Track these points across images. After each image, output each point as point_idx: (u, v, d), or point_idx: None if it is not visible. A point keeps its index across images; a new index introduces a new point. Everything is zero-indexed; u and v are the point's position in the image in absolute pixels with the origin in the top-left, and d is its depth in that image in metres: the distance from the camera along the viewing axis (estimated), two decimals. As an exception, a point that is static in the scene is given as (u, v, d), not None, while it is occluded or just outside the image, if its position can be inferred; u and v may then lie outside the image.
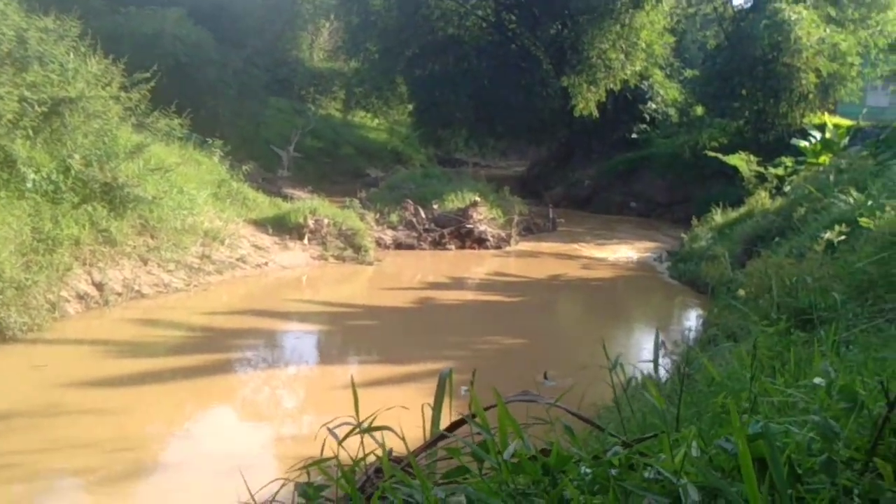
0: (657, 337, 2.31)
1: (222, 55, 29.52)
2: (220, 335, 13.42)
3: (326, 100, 46.25)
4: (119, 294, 14.04)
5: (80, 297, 13.40)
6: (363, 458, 2.11)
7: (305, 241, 19.50)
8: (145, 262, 15.17)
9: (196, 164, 20.34)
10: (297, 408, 11.15)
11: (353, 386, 2.15)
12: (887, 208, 10.25)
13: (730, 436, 1.67)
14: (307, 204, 20.79)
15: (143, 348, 12.21)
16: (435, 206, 23.59)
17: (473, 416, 2.15)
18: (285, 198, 22.98)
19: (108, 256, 14.45)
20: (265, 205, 20.84)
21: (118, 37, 23.44)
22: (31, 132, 14.19)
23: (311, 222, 19.79)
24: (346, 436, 2.11)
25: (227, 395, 11.18)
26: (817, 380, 2.05)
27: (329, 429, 2.12)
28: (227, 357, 12.51)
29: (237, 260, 17.31)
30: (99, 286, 13.78)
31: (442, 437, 2.26)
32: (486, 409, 2.21)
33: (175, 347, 12.54)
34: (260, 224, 19.54)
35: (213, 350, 12.53)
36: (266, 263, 17.92)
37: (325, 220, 20.03)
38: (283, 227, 19.66)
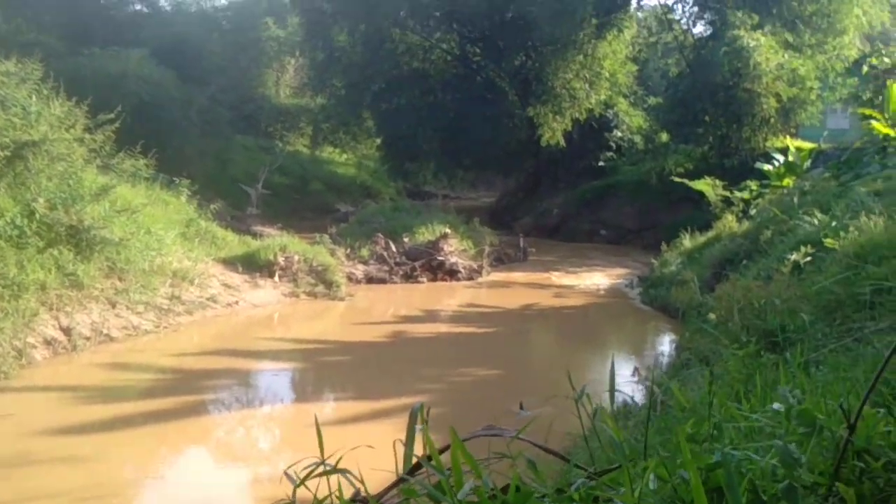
0: (612, 366, 2.27)
1: (186, 94, 29.50)
2: (191, 376, 13.23)
3: (294, 136, 46.32)
4: (87, 338, 13.80)
5: (48, 342, 13.16)
6: (323, 500, 2.06)
7: (276, 278, 19.36)
8: (114, 305, 14.96)
9: (163, 205, 20.19)
10: (272, 448, 11.00)
11: (318, 426, 2.12)
12: (851, 228, 10.39)
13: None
14: (277, 241, 20.67)
15: (113, 393, 12.00)
16: (406, 240, 23.59)
17: (429, 457, 2.11)
18: (255, 235, 22.85)
19: (75, 300, 14.23)
20: (234, 243, 20.70)
21: (81, 78, 23.31)
22: (-7, 177, 14.02)
23: (281, 259, 19.67)
24: (304, 479, 2.06)
25: (200, 437, 11.00)
26: (776, 405, 2.04)
27: (286, 473, 2.08)
28: (200, 398, 12.32)
29: (207, 299, 17.13)
30: (66, 331, 13.55)
31: (402, 480, 2.21)
32: (445, 448, 2.18)
33: (146, 391, 12.35)
34: (229, 263, 19.39)
35: (185, 392, 12.34)
36: (237, 302, 17.75)
37: (296, 257, 19.92)
38: (254, 265, 19.51)
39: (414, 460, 2.42)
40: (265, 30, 46.35)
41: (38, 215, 14.39)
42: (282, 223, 27.13)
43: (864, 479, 1.60)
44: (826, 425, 1.78)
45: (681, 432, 1.82)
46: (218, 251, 19.72)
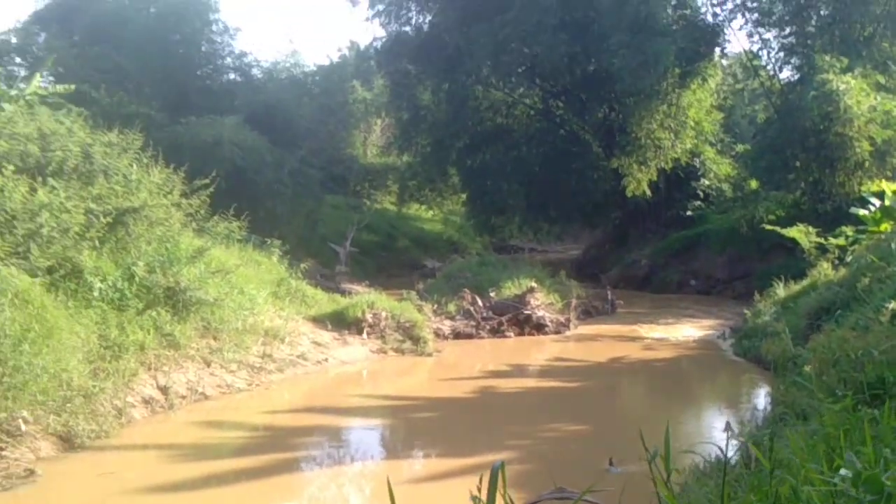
0: (667, 433, 2.22)
1: (278, 157, 30.47)
2: (283, 434, 13.47)
3: (381, 194, 47.26)
4: (183, 397, 14.23)
5: (146, 401, 13.61)
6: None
7: (364, 335, 19.63)
8: (208, 364, 15.40)
9: (255, 265, 20.77)
10: (363, 503, 11.07)
11: (390, 489, 2.18)
12: (952, 275, 10.00)
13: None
14: (365, 298, 20.99)
15: (208, 450, 12.30)
16: (492, 294, 23.63)
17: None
18: (343, 293, 23.28)
19: (172, 360, 14.71)
20: (324, 301, 21.11)
21: (179, 146, 24.39)
22: (97, 242, 14.70)
23: (369, 316, 19.95)
24: None
25: (292, 493, 11.15)
26: (843, 471, 2.01)
27: None
28: (292, 455, 12.51)
29: (298, 357, 17.48)
30: (164, 390, 14.00)
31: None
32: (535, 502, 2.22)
33: (240, 448, 12.61)
34: (319, 320, 19.76)
35: (278, 449, 12.56)
36: (326, 359, 18.04)
37: (383, 314, 20.17)
38: (342, 323, 19.85)
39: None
40: (352, 92, 47.76)
41: (137, 278, 15.01)
42: (370, 280, 27.58)
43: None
44: (894, 492, 1.75)
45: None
46: (308, 309, 20.14)
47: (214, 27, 38.83)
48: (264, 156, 29.36)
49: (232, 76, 40.10)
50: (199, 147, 26.47)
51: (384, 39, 40.29)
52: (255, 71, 41.28)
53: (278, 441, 13.03)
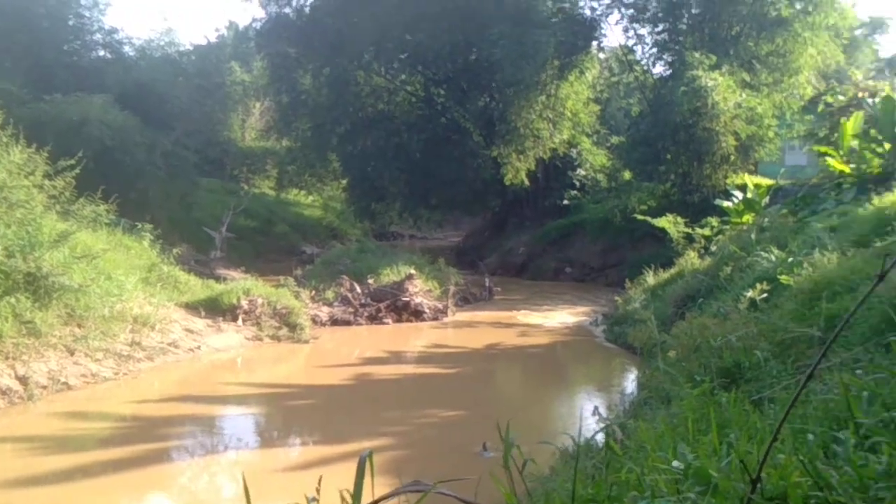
0: (507, 431, 2.20)
1: (150, 138, 29.37)
2: (152, 424, 13.02)
3: (259, 178, 46.31)
4: (44, 387, 13.55)
5: (3, 392, 12.90)
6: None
7: (239, 322, 19.20)
8: (72, 353, 14.72)
9: (125, 250, 20.01)
10: (236, 494, 10.81)
11: (245, 486, 2.09)
12: (805, 265, 10.55)
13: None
14: (241, 284, 20.54)
15: (70, 442, 11.76)
16: (370, 281, 23.54)
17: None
18: (218, 279, 22.67)
19: (32, 348, 13.98)
20: (197, 287, 20.53)
21: (42, 124, 23.17)
22: (-52, 225, 13.82)
23: (244, 303, 19.53)
24: None
25: (162, 484, 10.79)
26: (675, 463, 2.05)
27: None
28: (162, 446, 12.11)
29: (169, 345, 16.93)
30: (22, 380, 13.29)
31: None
32: (384, 497, 2.17)
33: (105, 440, 12.11)
34: (192, 307, 19.20)
35: (147, 440, 12.13)
36: (199, 347, 17.55)
37: (259, 300, 19.78)
38: (217, 309, 19.35)
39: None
40: (230, 74, 46.54)
41: (-5, 263, 14.19)
42: (246, 266, 27.01)
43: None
44: (722, 483, 1.79)
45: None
46: (180, 296, 19.54)
47: (82, 0, 37.01)
48: (135, 136, 28.21)
49: (101, 53, 38.31)
50: (65, 126, 25.19)
51: (264, 21, 39.40)
52: (126, 48, 39.57)
53: (147, 431, 12.59)
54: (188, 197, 32.25)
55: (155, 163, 28.99)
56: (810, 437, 2.31)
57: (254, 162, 46.89)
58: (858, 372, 3.59)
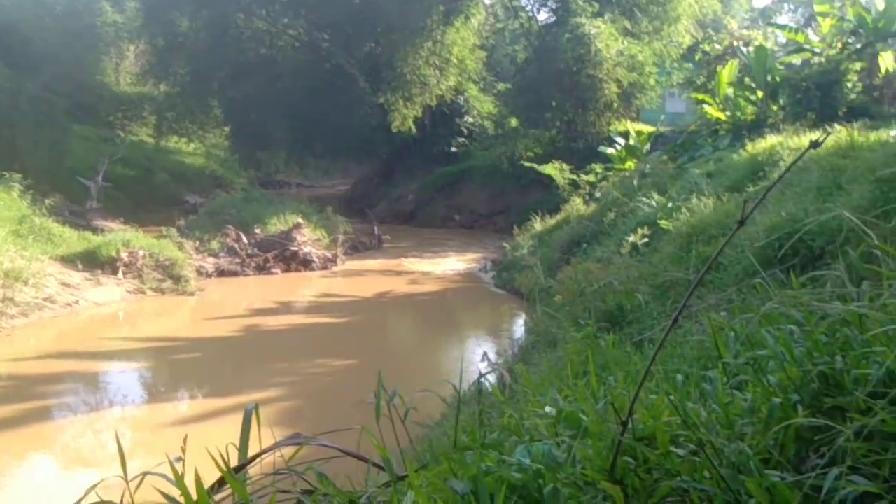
0: (379, 379, 2.20)
1: (15, 82, 27.76)
2: (30, 382, 12.55)
3: (136, 125, 44.30)
4: None
5: None
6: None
7: (120, 275, 18.58)
8: (-62, 311, 13.97)
9: (-8, 201, 19.01)
10: (124, 451, 10.57)
11: (119, 444, 2.04)
12: (683, 210, 10.93)
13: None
14: (119, 236, 19.82)
15: (-61, 405, 11.23)
16: (257, 231, 23.13)
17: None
18: (96, 231, 21.78)
19: None
20: (73, 239, 19.69)
21: None
22: None
23: (124, 255, 18.88)
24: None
25: (43, 444, 10.46)
26: (548, 408, 2.12)
27: None
28: (41, 404, 11.73)
29: (44, 300, 16.25)
30: None
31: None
32: (262, 453, 2.16)
33: (-23, 400, 11.61)
34: (68, 260, 18.44)
35: (25, 398, 11.70)
36: (77, 301, 16.92)
37: (141, 252, 19.16)
38: (95, 262, 18.64)
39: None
40: (101, 15, 44.07)
41: None
42: (125, 217, 26.04)
43: (635, 474, 1.70)
44: (592, 426, 1.86)
45: (455, 445, 1.87)
46: (55, 249, 18.71)
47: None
48: (-2, 80, 26.63)
49: (-42, -10, 35.74)
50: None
51: (137, -42, 37.60)
52: (-14, -15, 36.98)
53: (25, 389, 12.13)
54: (60, 145, 30.67)
55: (21, 108, 27.44)
56: (679, 377, 2.41)
57: (130, 108, 44.76)
58: (723, 314, 3.75)
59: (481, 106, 39.57)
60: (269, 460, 2.35)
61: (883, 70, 20.46)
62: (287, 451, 2.35)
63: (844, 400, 1.66)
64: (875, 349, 1.72)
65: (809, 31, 24.89)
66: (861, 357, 1.76)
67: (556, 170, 26.78)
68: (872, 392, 1.59)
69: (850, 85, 20.43)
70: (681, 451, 1.67)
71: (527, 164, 28.99)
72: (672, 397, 1.88)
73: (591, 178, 25.04)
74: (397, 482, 1.87)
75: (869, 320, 1.80)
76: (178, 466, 1.93)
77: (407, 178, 37.83)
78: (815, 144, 1.70)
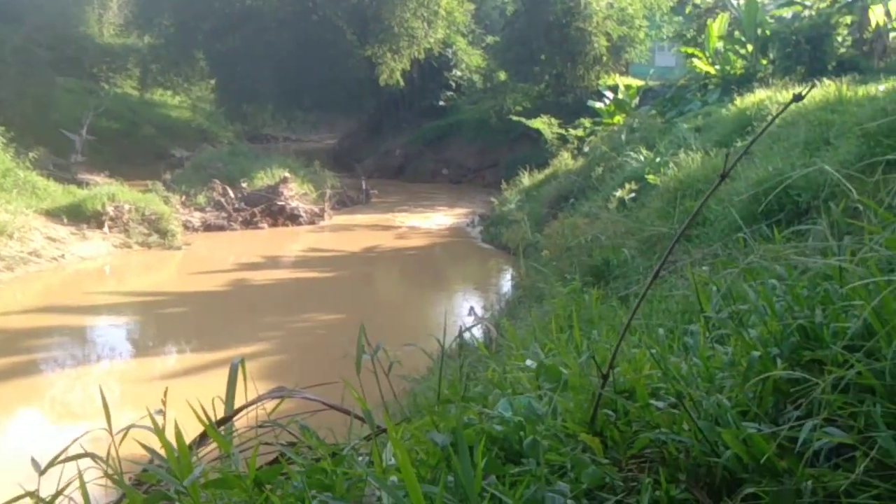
0: (362, 331, 2.18)
1: (-3, 33, 27.34)
2: (17, 335, 12.57)
3: (121, 78, 43.69)
4: None
5: None
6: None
7: (105, 229, 18.49)
8: (-80, 264, 13.90)
9: (-26, 154, 18.81)
10: (112, 405, 10.61)
11: (104, 398, 2.05)
12: (671, 165, 10.93)
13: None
14: (105, 189, 19.70)
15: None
16: (244, 185, 23.02)
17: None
18: (81, 184, 21.61)
19: None
20: (58, 193, 19.56)
21: None
22: None
23: (110, 209, 18.78)
24: (47, 468, 1.90)
25: (32, 398, 10.51)
26: (528, 361, 2.13)
27: (32, 459, 1.93)
28: (29, 358, 11.75)
29: (30, 254, 16.18)
30: None
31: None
32: (245, 406, 2.17)
33: (-37, 354, 11.61)
34: (53, 214, 18.32)
35: (12, 352, 11.72)
36: (62, 256, 16.85)
37: (126, 206, 19.06)
38: (80, 216, 18.54)
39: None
40: (83, -36, 43.30)
41: None
42: (110, 171, 25.79)
43: (615, 426, 1.71)
44: (572, 379, 1.88)
45: (441, 394, 1.88)
46: (39, 202, 18.58)
47: None
48: (-21, 31, 26.20)
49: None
50: None
51: None
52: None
53: (12, 343, 12.13)
54: (43, 97, 30.30)
55: (4, 60, 27.08)
56: (661, 331, 2.42)
57: (114, 60, 44.05)
58: (704, 268, 3.77)
59: (470, 59, 39.20)
60: (255, 414, 2.37)
61: (873, 24, 20.33)
62: (273, 405, 2.37)
63: (822, 353, 1.68)
64: (854, 303, 1.73)
65: (801, -16, 24.68)
66: (840, 311, 1.77)
67: (544, 124, 26.67)
68: (850, 345, 1.61)
69: (839, 39, 20.35)
70: (660, 404, 1.69)
71: (515, 118, 28.86)
72: (653, 351, 1.89)
73: (580, 132, 24.97)
74: (379, 435, 1.88)
75: (849, 274, 1.81)
76: (160, 419, 1.93)
77: (395, 133, 37.61)
78: (797, 98, 1.70)
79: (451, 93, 38.62)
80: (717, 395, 1.66)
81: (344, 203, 26.20)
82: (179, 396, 2.22)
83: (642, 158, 14.45)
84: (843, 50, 20.27)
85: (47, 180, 20.17)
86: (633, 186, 11.24)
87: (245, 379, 2.53)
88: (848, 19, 20.66)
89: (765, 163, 8.58)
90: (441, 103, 38.15)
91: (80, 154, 27.20)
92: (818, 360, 1.72)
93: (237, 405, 2.49)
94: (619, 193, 11.23)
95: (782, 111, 1.85)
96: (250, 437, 2.23)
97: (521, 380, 2.13)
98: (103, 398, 2.07)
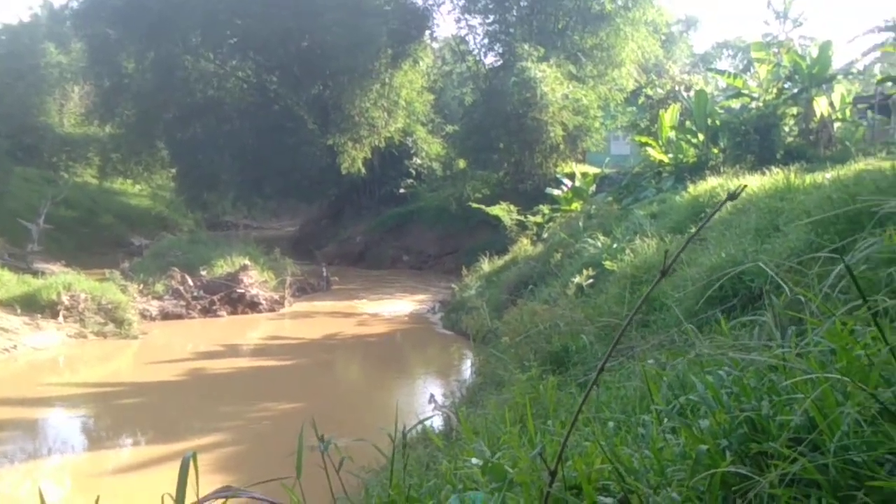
0: (300, 437, 2.17)
1: (-45, 124, 27.27)
2: (-36, 430, 12.16)
3: (80, 166, 43.65)
4: None
5: None
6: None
7: (60, 318, 18.18)
8: None
9: (-73, 243, 18.54)
10: (62, 502, 10.27)
11: (42, 497, 2.00)
12: (628, 251, 11.09)
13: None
14: (61, 279, 19.46)
15: None
16: (203, 273, 22.87)
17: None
18: (36, 274, 21.33)
19: None
20: (12, 283, 19.25)
21: None
22: None
23: (65, 298, 18.51)
24: None
25: (-24, 496, 10.11)
26: (474, 460, 2.14)
27: None
28: (-25, 454, 11.35)
29: (-20, 346, 15.83)
30: None
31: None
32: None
33: None
34: (6, 304, 18.01)
35: (-42, 447, 11.33)
36: (15, 347, 16.50)
37: (83, 295, 18.81)
38: (35, 306, 18.25)
39: None
40: (45, 55, 43.59)
41: None
42: (67, 259, 25.52)
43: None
44: (518, 478, 1.88)
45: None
46: (-7, 292, 18.28)
47: None
48: (-63, 121, 26.14)
49: None
50: None
51: (81, 0, 37.27)
52: (-75, 24, 36.40)
53: (-41, 438, 11.74)
54: (0, 186, 30.12)
55: (-39, 150, 26.96)
56: (611, 424, 2.44)
57: (74, 149, 44.08)
58: (651, 360, 3.81)
59: (430, 148, 39.83)
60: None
61: (818, 114, 21.13)
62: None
63: (769, 446, 1.70)
64: (796, 396, 1.77)
65: (748, 77, 25.66)
66: (785, 403, 1.81)
67: (503, 211, 27.02)
68: (795, 437, 1.64)
69: (786, 129, 21.10)
70: (609, 501, 1.69)
71: (475, 205, 29.21)
72: (603, 444, 1.90)
73: (539, 219, 25.31)
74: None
75: (792, 366, 1.85)
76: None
77: (356, 220, 37.84)
78: (732, 196, 1.76)
79: (411, 180, 39.08)
80: (667, 490, 1.67)
81: (304, 290, 26.09)
82: (131, 492, 2.18)
83: (599, 244, 14.64)
84: (790, 139, 21.01)
85: (2, 270, 19.89)
86: (591, 272, 11.38)
87: (197, 473, 2.49)
88: (794, 110, 21.47)
89: (718, 249, 8.75)
90: (401, 191, 38.57)
91: (36, 243, 26.90)
92: (765, 453, 1.75)
93: (188, 500, 2.45)
94: (577, 279, 11.35)
95: (716, 211, 1.92)
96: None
97: (475, 474, 2.13)
98: (42, 499, 2.02)
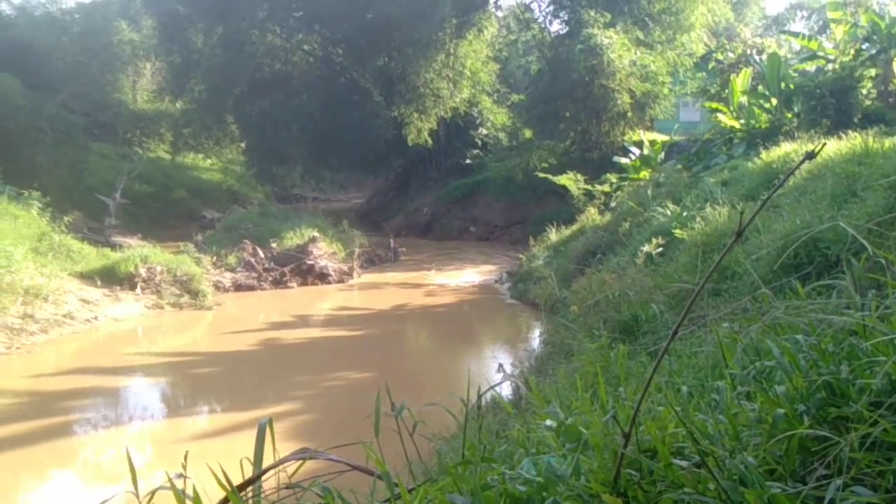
0: (378, 399, 2.20)
1: (34, 101, 28.06)
2: (51, 397, 12.64)
3: (154, 142, 44.60)
4: (-71, 365, 12.97)
5: None
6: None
7: (138, 290, 18.72)
8: (-41, 328, 14.12)
9: (12, 219, 19.19)
10: (144, 466, 10.64)
11: (130, 461, 2.07)
12: (698, 219, 10.90)
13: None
14: (138, 252, 20.00)
15: (-38, 422, 11.32)
16: (274, 245, 23.25)
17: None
18: (114, 247, 22.01)
19: (-86, 325, 13.35)
20: (92, 256, 19.87)
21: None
22: None
23: (142, 271, 19.04)
24: None
25: (66, 459, 10.54)
26: (548, 422, 2.14)
27: None
28: (63, 419, 11.81)
29: (64, 316, 16.38)
30: None
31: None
32: (268, 468, 2.19)
33: (1, 416, 11.70)
34: (87, 277, 18.61)
35: (46, 414, 11.79)
36: (96, 318, 17.05)
37: (158, 268, 19.32)
38: (114, 278, 18.81)
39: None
40: (118, 33, 44.50)
41: None
42: (143, 233, 26.24)
43: (639, 486, 1.71)
44: (593, 440, 1.88)
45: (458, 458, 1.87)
46: (74, 265, 18.89)
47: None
48: (16, 100, 26.92)
49: (-25, 11, 36.22)
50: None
51: (150, -23, 37.92)
52: (3, 6, 37.47)
53: (46, 405, 12.22)
54: (78, 163, 31.00)
55: (40, 127, 27.77)
56: (685, 388, 2.42)
57: (147, 125, 45.07)
58: (725, 325, 3.75)
59: (495, 118, 39.63)
60: (283, 474, 2.38)
61: (898, 76, 20.39)
62: (299, 466, 2.38)
63: (848, 410, 1.67)
64: (878, 359, 1.73)
65: (823, 38, 24.84)
66: (865, 366, 1.77)
67: (570, 180, 26.78)
68: (876, 401, 1.61)
69: (864, 91, 20.38)
70: (684, 463, 1.68)
71: (541, 175, 29.01)
72: (677, 409, 1.89)
73: (606, 188, 25.03)
74: (399, 498, 1.89)
75: (873, 329, 1.81)
76: (180, 482, 1.96)
77: (422, 191, 37.94)
78: (810, 155, 1.72)
79: (477, 151, 38.96)
80: (742, 454, 1.65)
81: (372, 261, 26.35)
82: (210, 456, 2.25)
83: (669, 213, 14.43)
84: (868, 102, 20.29)
85: (82, 243, 20.52)
86: (661, 241, 11.23)
87: (273, 439, 2.56)
88: (872, 72, 20.71)
89: (792, 216, 8.56)
90: (467, 161, 38.49)
91: (113, 217, 27.70)
92: (844, 417, 1.72)
93: (264, 465, 2.51)
94: (646, 248, 11.22)
95: (793, 171, 1.88)
96: (274, 500, 2.24)
97: (547, 439, 2.14)
98: (129, 461, 2.10)
